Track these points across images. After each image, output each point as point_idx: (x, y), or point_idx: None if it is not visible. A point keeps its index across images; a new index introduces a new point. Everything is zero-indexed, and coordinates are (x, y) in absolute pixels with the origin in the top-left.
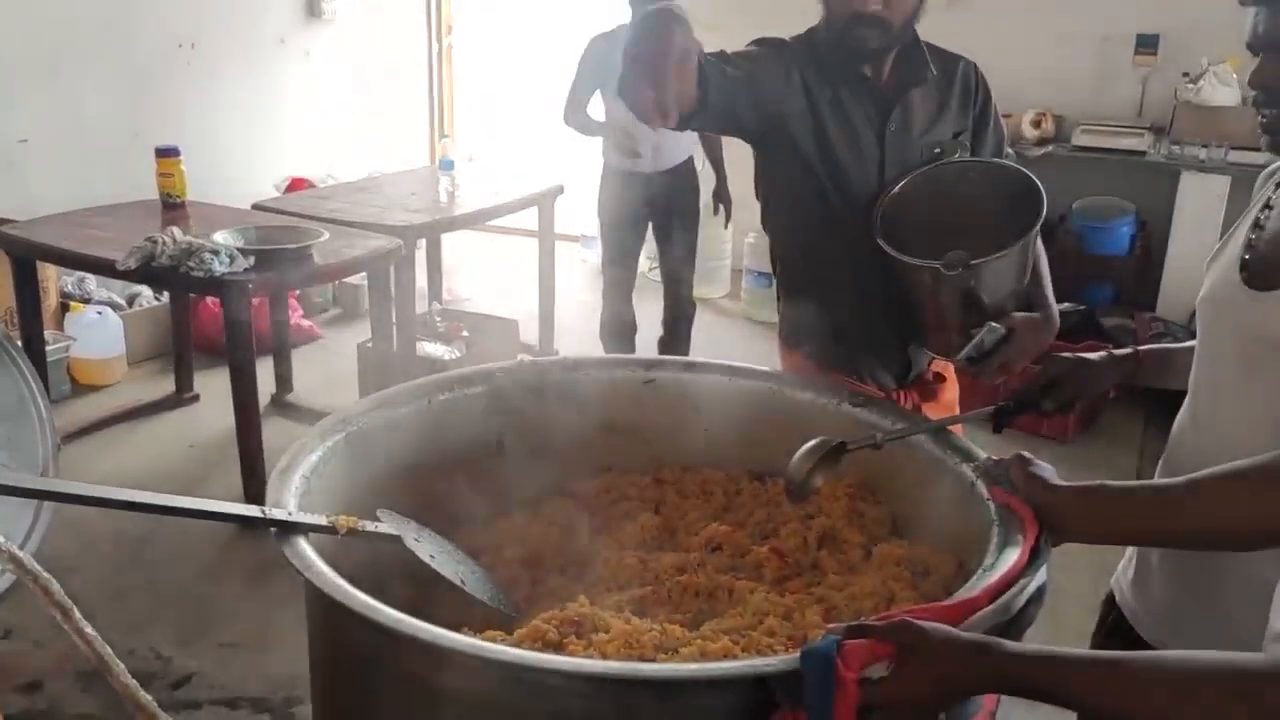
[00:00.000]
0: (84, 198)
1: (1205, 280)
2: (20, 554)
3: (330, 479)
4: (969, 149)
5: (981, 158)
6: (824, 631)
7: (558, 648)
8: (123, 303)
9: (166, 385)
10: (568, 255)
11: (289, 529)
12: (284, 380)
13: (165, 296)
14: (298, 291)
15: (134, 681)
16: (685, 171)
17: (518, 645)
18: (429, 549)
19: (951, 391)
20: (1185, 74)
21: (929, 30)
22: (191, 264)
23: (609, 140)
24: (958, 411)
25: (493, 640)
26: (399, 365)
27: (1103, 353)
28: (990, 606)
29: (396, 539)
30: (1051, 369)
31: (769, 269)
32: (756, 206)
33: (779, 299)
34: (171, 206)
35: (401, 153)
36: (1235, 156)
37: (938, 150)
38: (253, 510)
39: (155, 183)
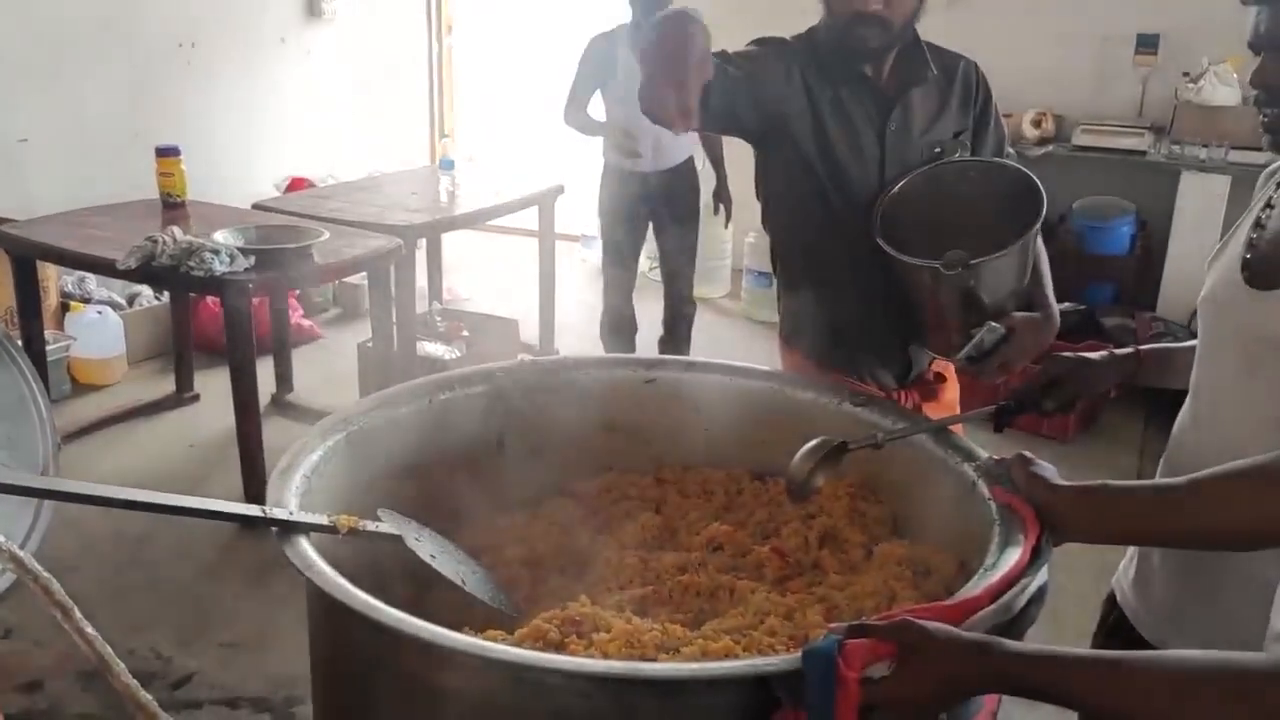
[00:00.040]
0: (84, 197)
1: (1206, 280)
2: (21, 553)
3: (331, 479)
4: (969, 148)
5: (982, 157)
6: (825, 631)
7: (559, 647)
8: (123, 302)
9: (167, 385)
10: (568, 255)
11: (290, 528)
12: (284, 380)
13: (165, 296)
14: (298, 291)
15: (134, 681)
16: (685, 171)
17: (519, 645)
18: (430, 549)
19: (952, 391)
20: (1186, 74)
21: (929, 30)
22: (192, 263)
23: (609, 140)
24: (958, 411)
25: (494, 640)
26: (399, 365)
27: (1104, 352)
28: (992, 606)
29: (397, 539)
30: (1052, 369)
31: (769, 269)
32: (757, 206)
33: (780, 298)
34: (172, 206)
35: (402, 152)
36: (1235, 156)
37: (938, 150)
38: (254, 510)
39: (155, 182)
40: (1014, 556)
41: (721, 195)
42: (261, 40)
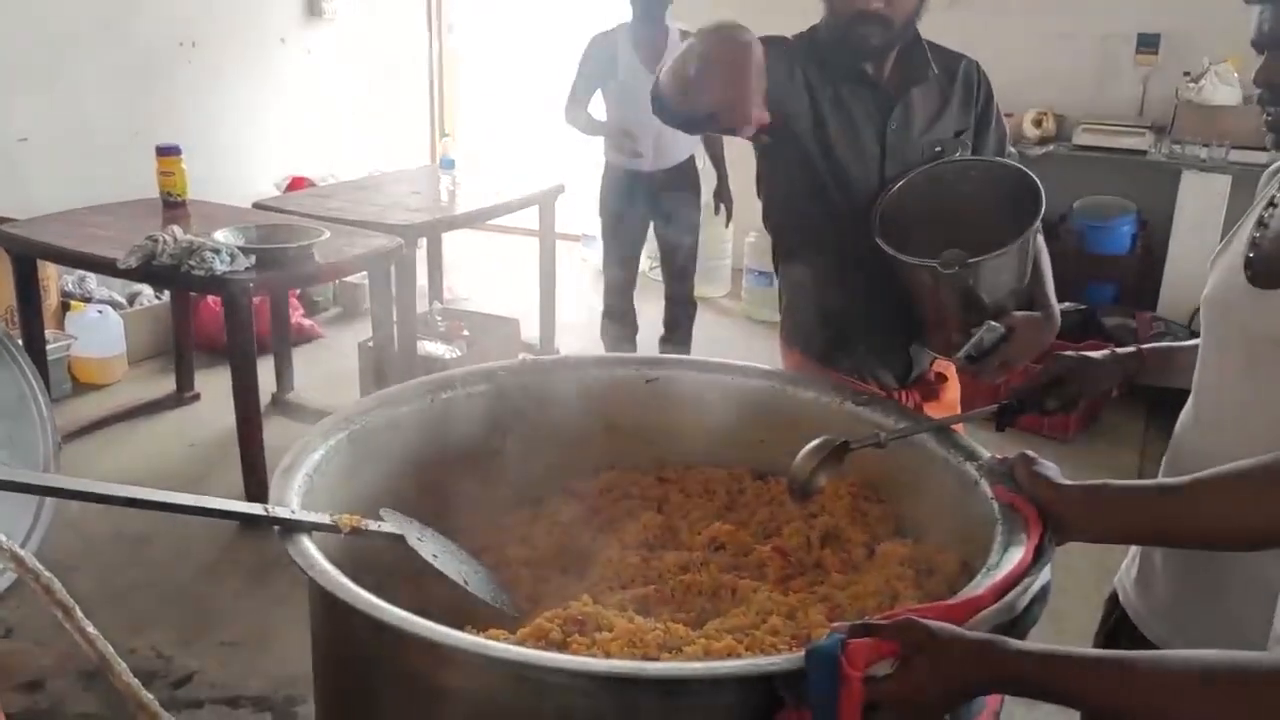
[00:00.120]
0: (84, 196)
1: (1209, 279)
2: (22, 553)
3: (333, 478)
4: (970, 148)
5: (982, 156)
6: (828, 630)
7: (561, 647)
8: (123, 301)
9: (167, 384)
10: (568, 254)
11: (292, 527)
12: (285, 379)
13: (166, 295)
14: (298, 290)
15: (136, 680)
16: (686, 170)
17: (521, 644)
18: (432, 548)
19: (953, 391)
20: (1186, 73)
21: (930, 29)
22: (192, 263)
23: (609, 139)
24: (959, 411)
25: (496, 639)
26: (400, 364)
27: (1105, 351)
28: (995, 605)
29: (399, 538)
30: (1054, 368)
31: (770, 268)
32: (757, 205)
33: (780, 298)
34: (172, 205)
35: (402, 152)
36: (1236, 155)
37: (938, 149)
38: (256, 508)
39: (156, 181)
40: (1017, 556)
41: (722, 194)
42: (262, 40)
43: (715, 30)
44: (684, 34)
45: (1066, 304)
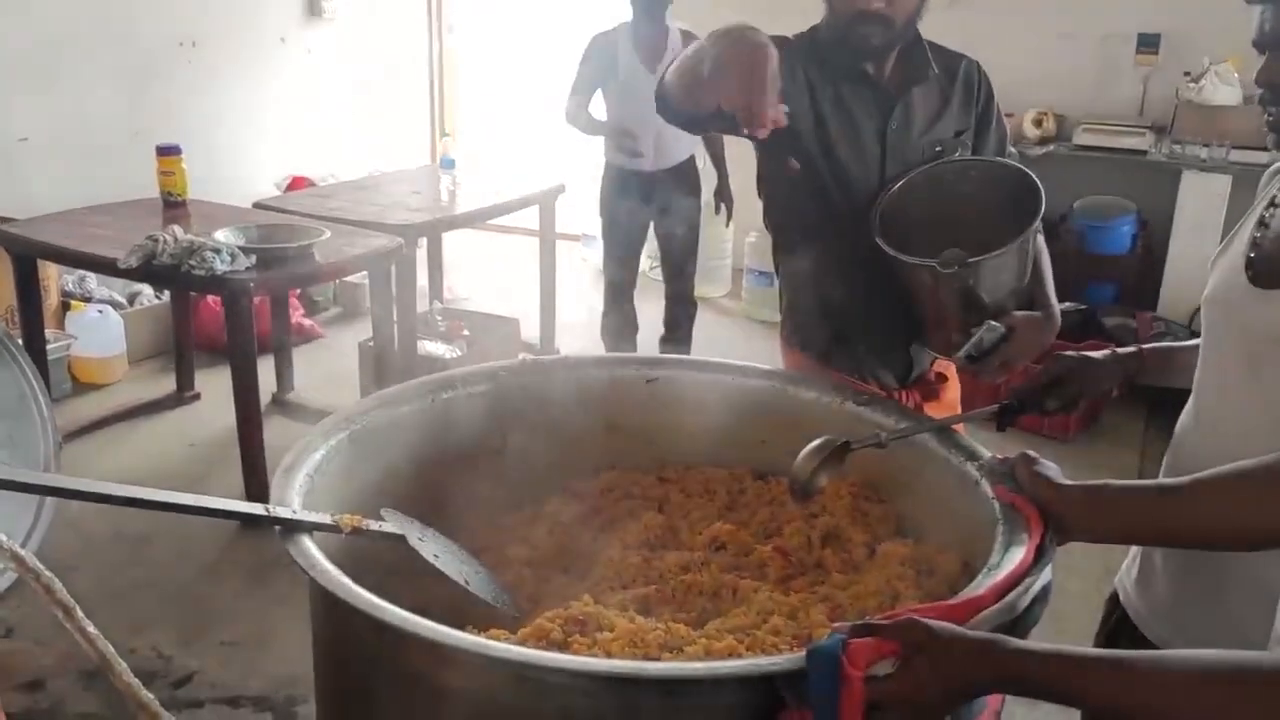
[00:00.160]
0: (84, 196)
1: (1210, 279)
2: (22, 552)
3: (334, 478)
4: (970, 148)
5: (982, 156)
6: (830, 630)
7: (562, 646)
8: (123, 301)
9: (167, 384)
10: (569, 254)
11: (293, 527)
12: (285, 379)
13: (166, 295)
14: (299, 290)
15: (136, 680)
16: (687, 170)
17: (522, 644)
18: (433, 548)
19: (953, 391)
20: (1187, 73)
21: (930, 29)
22: (193, 263)
23: (610, 139)
24: (960, 411)
25: (497, 639)
26: (400, 364)
27: (1106, 351)
28: (996, 605)
29: (400, 538)
30: (1054, 368)
31: (770, 268)
32: (758, 205)
33: (781, 298)
34: (172, 205)
35: (402, 151)
36: (1237, 156)
37: (939, 149)
38: (258, 508)
39: (156, 181)
40: (1018, 556)
41: (723, 194)
42: (262, 39)
43: (731, 32)
44: (684, 34)
45: (1067, 304)
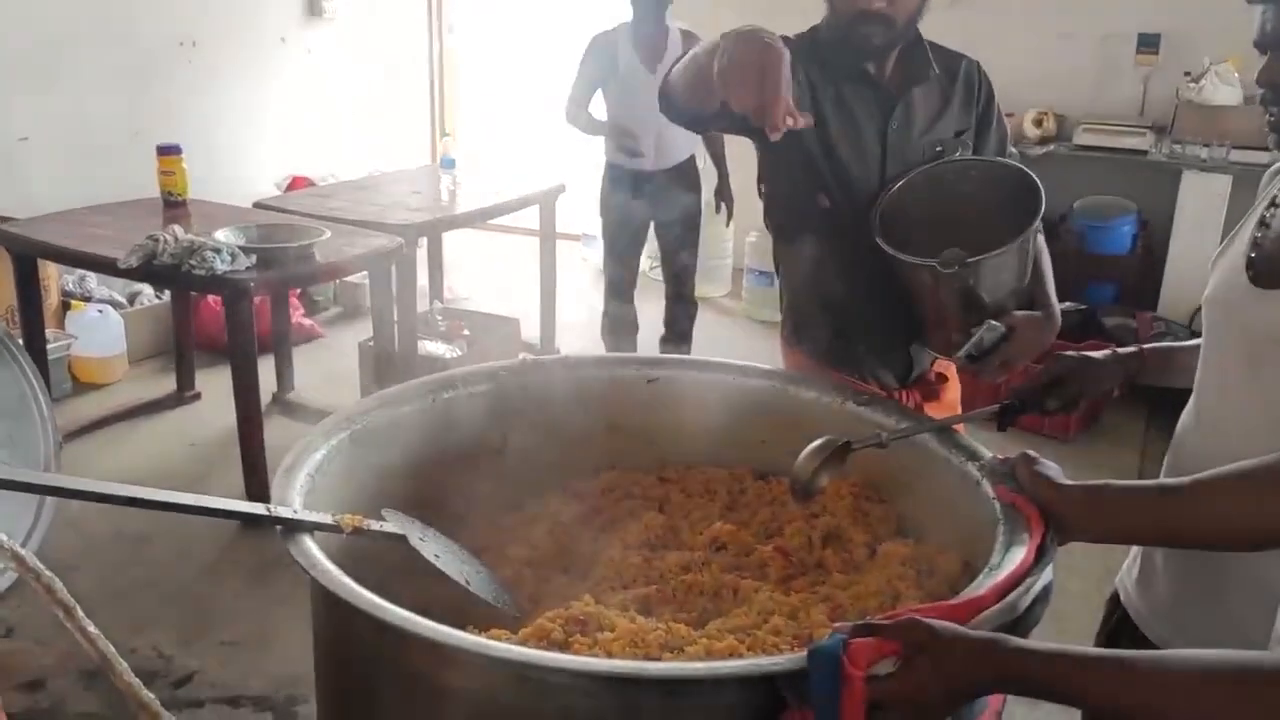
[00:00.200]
0: (85, 196)
1: (1210, 279)
2: (23, 552)
3: (335, 477)
4: (971, 148)
5: (982, 156)
6: (830, 630)
7: (563, 647)
8: (124, 301)
9: (167, 384)
10: (569, 254)
11: (294, 527)
12: (285, 379)
13: (166, 295)
14: (299, 290)
15: (137, 680)
16: (687, 170)
17: (523, 644)
18: (434, 548)
19: (953, 392)
20: (1187, 73)
21: (930, 29)
22: (193, 262)
23: (610, 139)
24: (960, 411)
25: (498, 639)
26: (400, 364)
27: (1107, 351)
28: (996, 605)
29: (401, 538)
30: (1055, 367)
31: (770, 268)
32: (758, 204)
33: (781, 297)
34: (173, 205)
35: (402, 151)
36: (1237, 155)
37: (939, 149)
38: (259, 508)
39: (156, 181)
40: (1019, 556)
41: (723, 193)
42: (262, 39)
43: (743, 33)
44: (684, 33)
45: (1067, 304)
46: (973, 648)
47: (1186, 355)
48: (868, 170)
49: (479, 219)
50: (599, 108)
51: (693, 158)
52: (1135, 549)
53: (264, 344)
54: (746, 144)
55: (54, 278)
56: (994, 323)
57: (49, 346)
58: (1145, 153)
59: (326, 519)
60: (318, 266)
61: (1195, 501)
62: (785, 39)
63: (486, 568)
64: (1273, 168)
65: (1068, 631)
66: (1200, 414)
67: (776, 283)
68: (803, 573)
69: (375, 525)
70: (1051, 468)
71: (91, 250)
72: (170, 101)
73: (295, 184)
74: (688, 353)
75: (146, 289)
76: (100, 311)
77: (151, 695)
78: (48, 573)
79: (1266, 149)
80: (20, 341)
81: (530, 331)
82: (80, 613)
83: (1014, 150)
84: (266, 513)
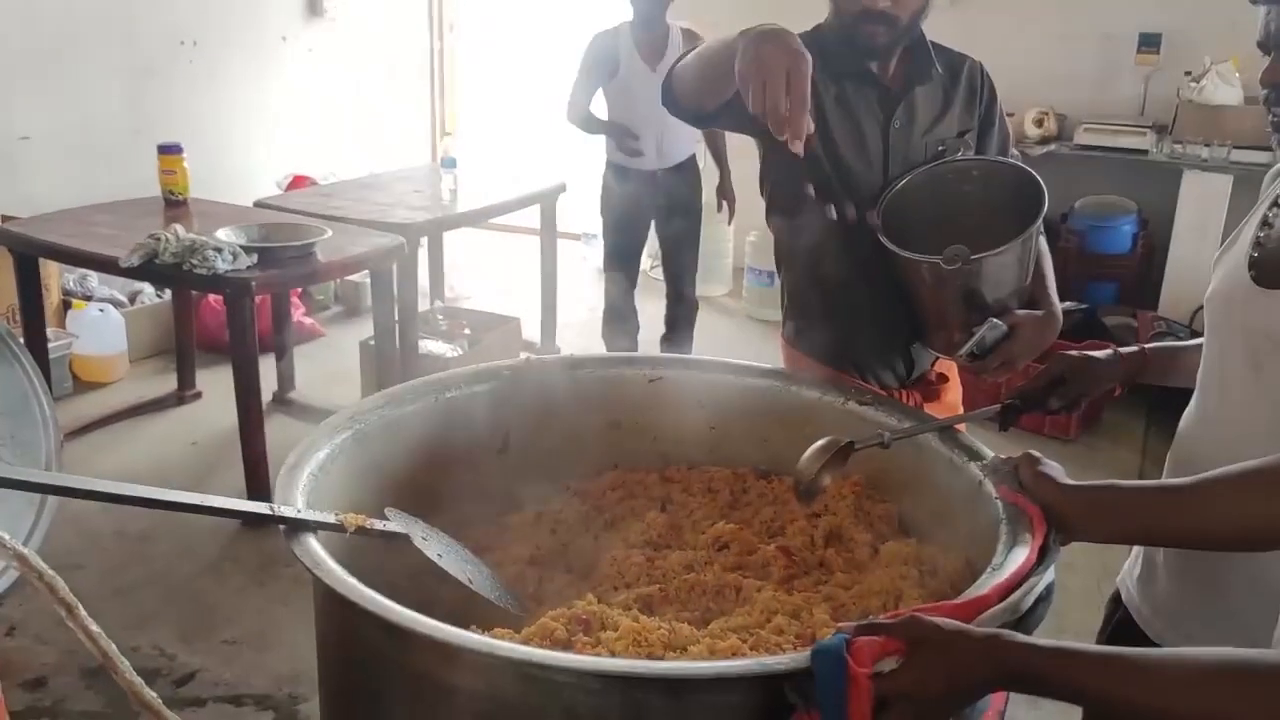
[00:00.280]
0: (86, 195)
1: (1212, 278)
2: (25, 551)
3: (337, 477)
4: (973, 148)
5: (984, 156)
6: (833, 629)
7: (566, 646)
8: (124, 300)
9: (169, 382)
10: (569, 253)
11: (298, 526)
12: (286, 378)
13: (167, 294)
14: (300, 289)
15: (139, 678)
16: (688, 168)
17: (526, 643)
18: (436, 547)
19: (954, 392)
20: (1188, 73)
21: (931, 28)
22: (194, 261)
23: (611, 138)
24: (961, 412)
25: (501, 638)
26: (401, 363)
27: (1108, 350)
28: (999, 605)
29: (404, 537)
30: (1057, 367)
31: (771, 267)
32: (759, 204)
33: (783, 296)
34: (174, 204)
35: (403, 150)
36: (1238, 155)
37: (941, 148)
38: (262, 507)
39: (158, 180)
40: (1021, 556)
41: (725, 192)
42: (263, 38)
43: (769, 35)
44: (685, 33)
45: (1067, 303)
46: (975, 643)
47: (1188, 355)
48: (870, 169)
49: (480, 218)
50: (600, 107)
51: (694, 157)
52: (1136, 548)
53: (265, 343)
54: (747, 143)
55: (55, 277)
56: (996, 321)
57: (50, 345)
58: (1146, 152)
59: (330, 518)
60: (319, 265)
61: (1197, 502)
62: None
63: (489, 567)
64: (1275, 168)
65: (1068, 630)
66: (1202, 413)
67: (777, 282)
68: (805, 572)
69: (378, 524)
70: (1054, 468)
71: (93, 249)
72: (171, 101)
73: (296, 183)
74: (688, 352)
75: (147, 288)
76: (101, 310)
77: (154, 693)
78: (50, 571)
79: (1267, 149)
80: (21, 340)
81: (531, 331)
82: (82, 611)
83: (1015, 151)
84: (270, 512)
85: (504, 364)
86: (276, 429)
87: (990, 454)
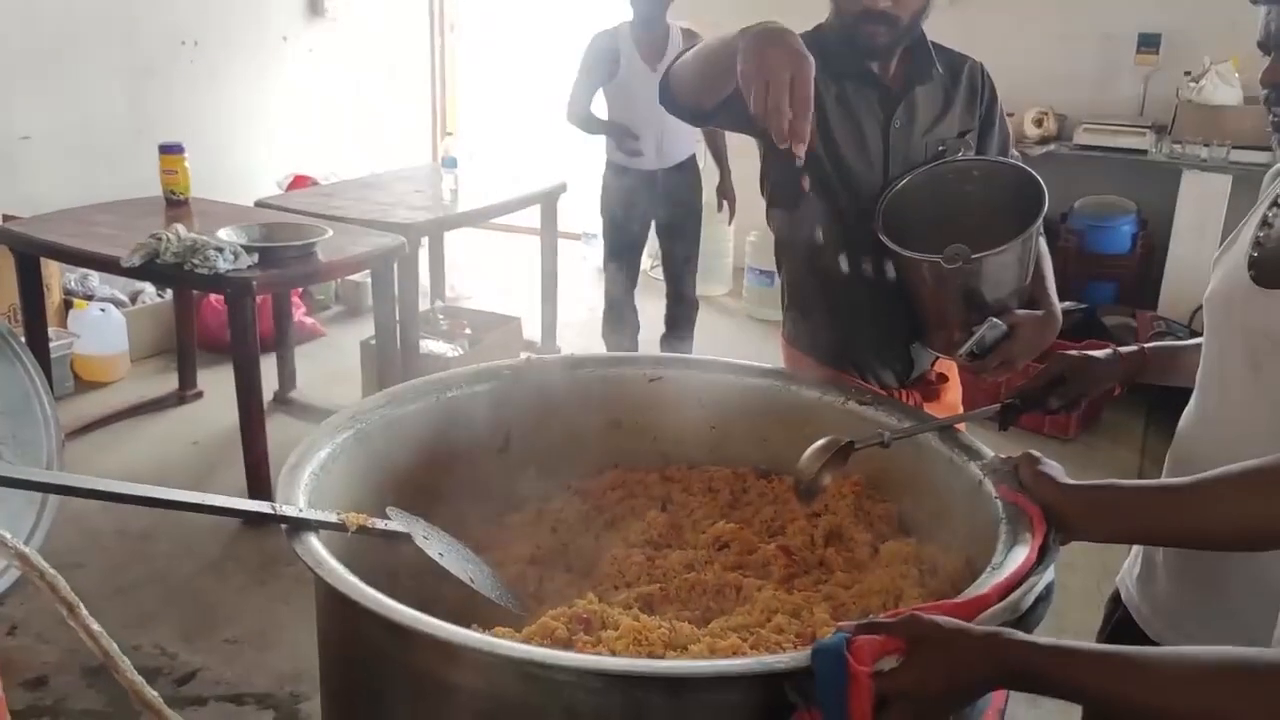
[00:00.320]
0: (87, 195)
1: (1212, 278)
2: (26, 550)
3: (339, 476)
4: (973, 148)
5: (984, 156)
6: (834, 629)
7: (567, 645)
8: (125, 300)
9: (170, 382)
10: (570, 253)
11: (299, 525)
12: (287, 377)
13: (168, 293)
14: (301, 289)
15: (140, 677)
16: (688, 168)
17: (527, 642)
18: (437, 547)
19: (954, 392)
20: (1187, 73)
21: (931, 28)
22: (196, 261)
23: (611, 138)
24: (960, 412)
25: (502, 637)
26: (402, 362)
27: (1108, 350)
28: (1000, 604)
29: (406, 537)
30: (1057, 367)
31: (771, 267)
32: (759, 204)
33: (783, 296)
34: (175, 203)
35: (404, 150)
36: (1237, 155)
37: (941, 148)
38: (264, 506)
39: (159, 180)
40: (1021, 555)
41: (725, 191)
42: (263, 38)
43: (772, 35)
44: (685, 32)
45: (1067, 303)
46: (975, 641)
47: (1188, 354)
48: (870, 168)
49: (480, 218)
50: (600, 107)
51: (694, 156)
52: (1136, 548)
53: (266, 343)
54: (748, 142)
55: (56, 276)
56: (996, 320)
57: (51, 345)
58: (1145, 152)
59: (331, 517)
60: (320, 265)
61: (1197, 502)
62: None
63: (490, 566)
64: (1274, 168)
65: (1068, 629)
66: (1201, 413)
67: (777, 282)
68: (805, 571)
69: (379, 524)
70: (1054, 467)
71: (94, 249)
72: (172, 100)
73: (297, 183)
74: (688, 352)
75: (148, 288)
76: (103, 310)
77: (155, 692)
78: (51, 570)
79: (1267, 149)
80: (23, 339)
81: (531, 330)
82: (83, 610)
83: (1016, 152)
84: (272, 511)
85: (505, 363)
86: (277, 428)
87: (990, 453)
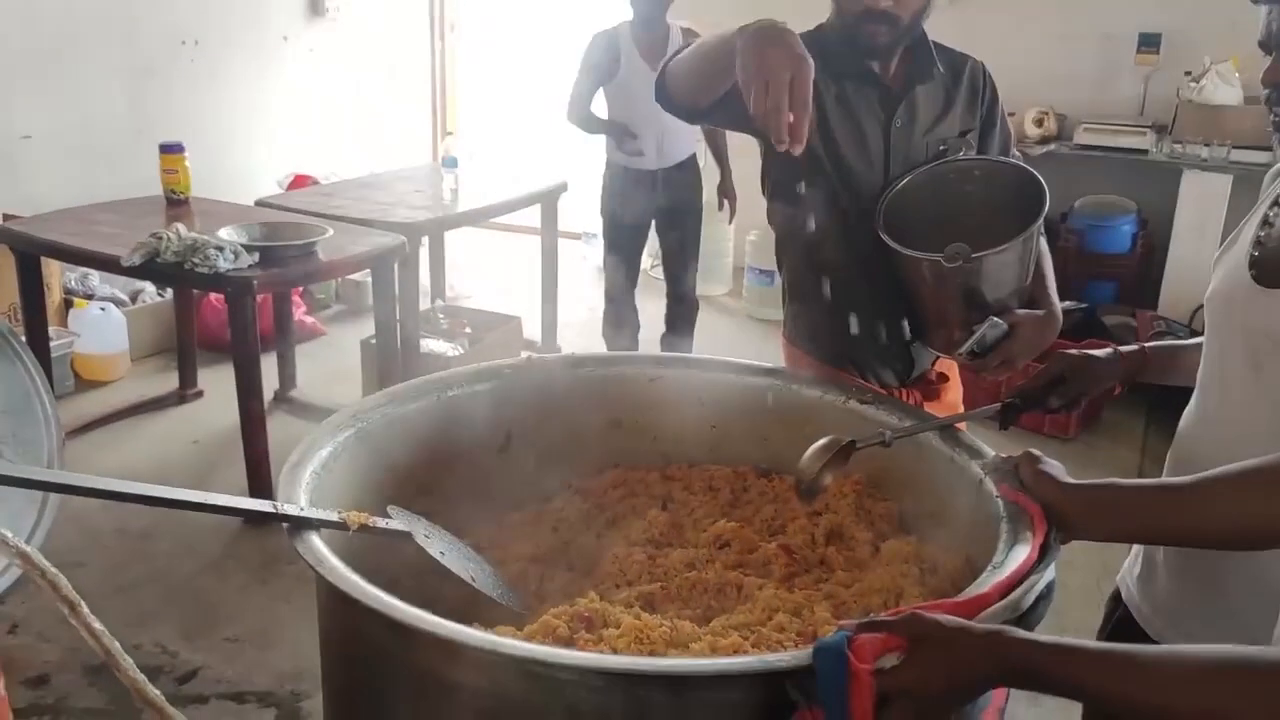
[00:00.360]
0: (88, 194)
1: (1212, 278)
2: (28, 549)
3: (340, 475)
4: (974, 148)
5: (985, 156)
6: (835, 627)
7: (568, 643)
8: (126, 299)
9: (170, 381)
10: (570, 252)
11: (301, 524)
12: (287, 376)
13: (168, 293)
14: (302, 288)
15: (141, 676)
16: (688, 168)
17: (529, 641)
18: (439, 546)
19: (954, 392)
20: (1187, 72)
21: (931, 28)
22: (196, 260)
23: (611, 137)
24: (961, 411)
25: (504, 636)
26: (402, 362)
27: (1108, 349)
28: (1000, 603)
29: (407, 535)
30: (1057, 366)
31: (771, 266)
32: (759, 203)
33: (784, 295)
34: (175, 203)
35: (404, 150)
36: (1237, 155)
37: (942, 147)
38: (265, 505)
39: (159, 179)
40: (1022, 554)
41: (726, 190)
42: (264, 38)
43: (771, 34)
44: (685, 32)
45: (1067, 303)
46: (976, 640)
47: (1188, 354)
48: (871, 168)
49: (481, 218)
50: (600, 106)
51: (694, 156)
52: (1136, 547)
53: (266, 342)
54: (748, 142)
55: (57, 275)
56: (996, 320)
57: (52, 344)
58: (1145, 152)
59: (332, 516)
60: (320, 264)
61: (1198, 501)
62: None
63: (491, 565)
64: (1275, 167)
65: (1068, 628)
66: (1202, 413)
67: (778, 281)
68: (806, 570)
69: (381, 522)
70: (1055, 466)
71: (94, 248)
72: (173, 100)
73: (297, 182)
74: (689, 351)
75: (149, 287)
76: (103, 309)
77: (156, 691)
78: (52, 569)
79: (1267, 149)
80: (23, 339)
81: (532, 330)
82: (85, 608)
83: (1017, 152)
84: (273, 510)
85: (505, 363)
86: (278, 427)
87: (991, 452)
